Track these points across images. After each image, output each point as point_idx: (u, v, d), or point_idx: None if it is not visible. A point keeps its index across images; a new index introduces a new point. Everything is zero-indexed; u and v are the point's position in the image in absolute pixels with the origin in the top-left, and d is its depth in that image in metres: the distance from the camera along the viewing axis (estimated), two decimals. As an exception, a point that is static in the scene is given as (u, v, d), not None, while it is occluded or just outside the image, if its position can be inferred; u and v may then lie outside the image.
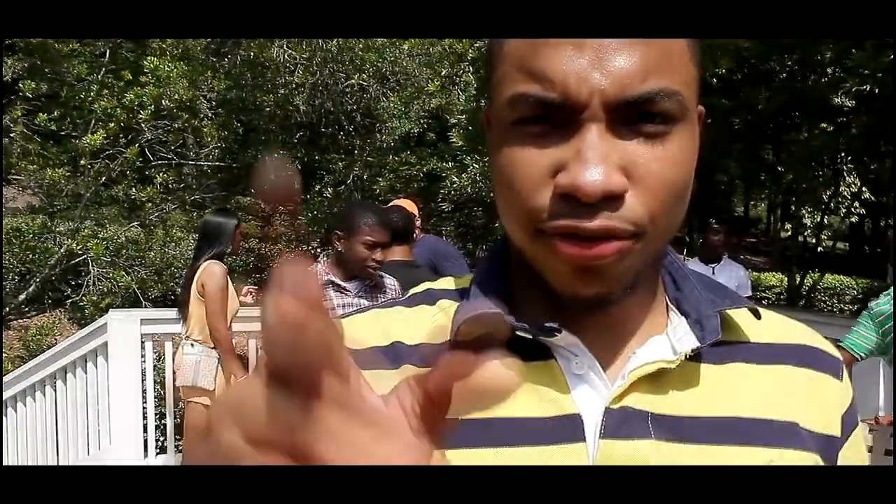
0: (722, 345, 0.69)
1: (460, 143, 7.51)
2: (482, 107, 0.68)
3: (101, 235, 10.18)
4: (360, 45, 8.15)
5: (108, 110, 9.69)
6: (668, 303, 0.72)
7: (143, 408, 5.38)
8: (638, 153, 0.59)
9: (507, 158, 0.62)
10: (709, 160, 10.93)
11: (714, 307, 0.69)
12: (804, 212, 14.91)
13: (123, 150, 9.85)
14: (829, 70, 8.90)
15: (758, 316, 0.73)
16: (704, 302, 0.70)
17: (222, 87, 10.18)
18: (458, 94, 8.07)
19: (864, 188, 14.48)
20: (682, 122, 0.61)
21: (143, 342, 5.33)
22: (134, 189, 10.45)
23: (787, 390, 0.70)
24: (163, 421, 5.73)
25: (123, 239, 10.44)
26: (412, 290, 0.76)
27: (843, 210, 16.56)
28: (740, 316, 0.73)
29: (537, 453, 0.62)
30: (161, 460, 5.45)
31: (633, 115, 0.59)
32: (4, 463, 5.62)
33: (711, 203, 13.38)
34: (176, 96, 9.56)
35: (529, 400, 0.64)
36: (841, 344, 3.64)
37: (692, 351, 0.66)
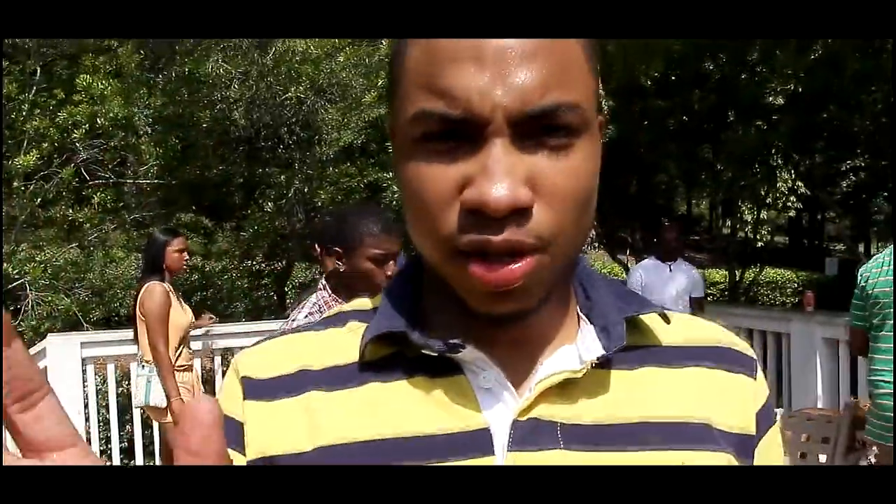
0: (632, 350, 0.70)
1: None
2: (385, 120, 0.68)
3: (38, 258, 9.93)
4: (297, 58, 8.12)
5: (41, 130, 9.47)
6: (579, 312, 0.73)
7: (88, 433, 5.27)
8: (543, 166, 0.60)
9: (414, 175, 0.62)
10: (649, 161, 11.12)
11: (621, 314, 0.70)
12: (744, 208, 15.22)
13: (58, 171, 9.64)
14: (757, 69, 9.13)
15: (667, 320, 0.74)
16: (612, 309, 0.70)
17: (158, 103, 10.03)
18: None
19: (798, 183, 14.83)
20: (584, 133, 0.62)
21: (84, 366, 5.22)
22: (71, 210, 10.23)
23: (699, 391, 0.71)
24: (108, 445, 5.62)
25: (62, 261, 10.20)
26: (325, 314, 0.77)
27: (780, 205, 16.95)
28: (651, 320, 0.74)
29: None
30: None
31: (537, 129, 0.59)
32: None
33: (654, 203, 13.58)
34: (111, 114, 9.38)
35: (437, 416, 0.65)
36: (853, 325, 3.61)
37: (598, 359, 0.66)
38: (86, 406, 5.23)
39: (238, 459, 0.67)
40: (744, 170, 11.36)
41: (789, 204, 17.24)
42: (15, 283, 9.61)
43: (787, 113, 9.74)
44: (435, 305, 0.70)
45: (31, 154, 9.27)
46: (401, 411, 0.66)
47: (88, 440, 5.23)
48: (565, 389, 0.66)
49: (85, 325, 9.63)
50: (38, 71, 10.39)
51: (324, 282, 2.91)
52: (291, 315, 2.99)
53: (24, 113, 9.82)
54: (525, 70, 0.58)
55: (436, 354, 0.66)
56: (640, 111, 10.37)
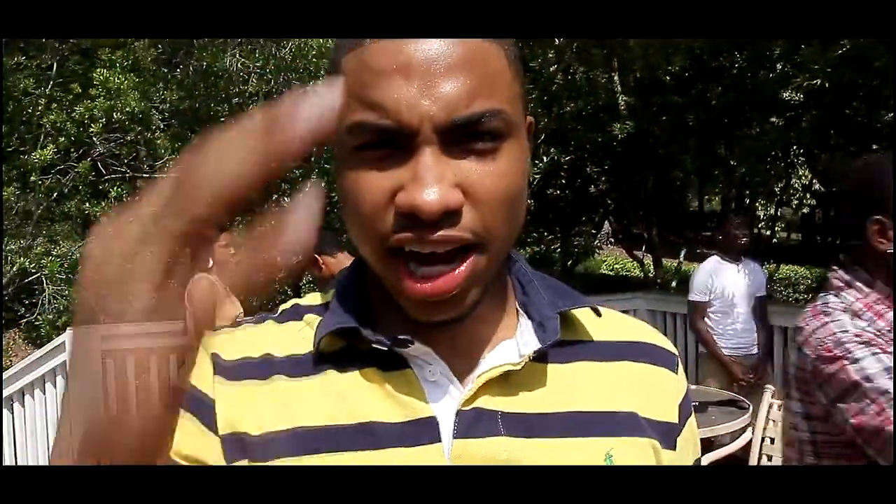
0: (566, 345, 0.76)
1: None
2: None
3: (54, 252, 9.97)
4: (314, 53, 8.11)
5: (58, 124, 9.50)
6: (518, 308, 0.78)
7: (106, 427, 5.28)
8: (471, 170, 0.64)
9: (351, 182, 0.66)
10: (664, 156, 11.07)
11: (554, 308, 0.75)
12: (758, 205, 15.14)
13: (75, 165, 9.67)
14: (778, 66, 9.06)
15: (598, 314, 0.79)
16: (547, 304, 0.76)
17: (175, 97, 10.05)
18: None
19: (814, 180, 14.73)
20: (509, 137, 0.66)
21: (104, 359, 5.22)
22: (87, 204, 10.26)
23: (627, 384, 0.77)
24: (126, 439, 5.64)
25: (78, 255, 10.24)
26: (282, 307, 0.81)
27: (795, 202, 16.85)
28: (583, 315, 0.79)
29: (396, 454, 0.68)
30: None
31: (464, 136, 0.64)
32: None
33: (668, 199, 13.53)
34: (127, 108, 9.40)
35: (388, 406, 0.70)
36: None
37: (535, 352, 0.72)
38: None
39: (208, 438, 0.70)
40: (759, 166, 11.29)
41: (804, 201, 17.16)
42: (32, 278, 9.65)
43: (808, 109, 9.67)
44: (381, 302, 0.74)
45: (48, 148, 9.30)
46: (357, 401, 0.70)
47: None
48: (506, 381, 0.71)
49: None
50: (55, 66, 10.43)
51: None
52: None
53: (40, 107, 9.86)
54: (450, 81, 0.62)
55: (385, 349, 0.70)
56: (659, 107, 10.32)
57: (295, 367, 0.73)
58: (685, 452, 0.79)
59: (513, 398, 0.72)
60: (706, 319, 4.94)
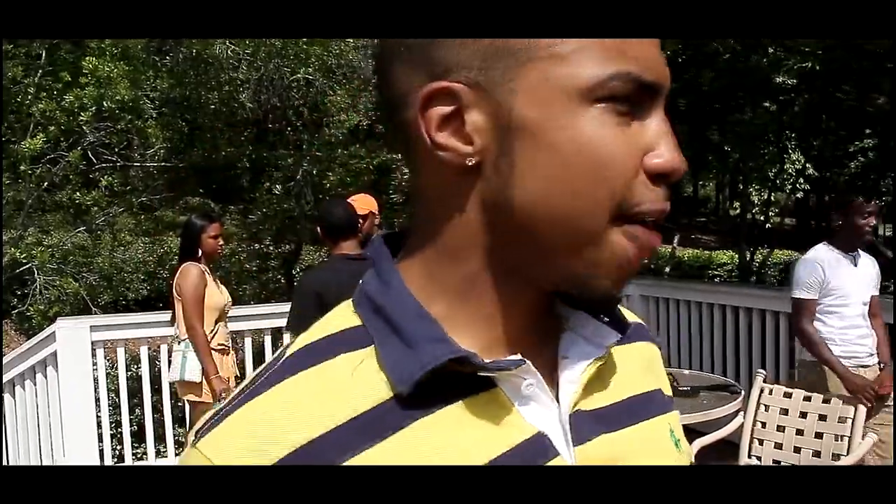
0: None
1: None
2: (469, 75, 0.58)
3: (45, 242, 9.94)
4: (304, 39, 8.06)
5: (48, 113, 9.44)
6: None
7: (98, 417, 5.27)
8: None
9: (599, 139, 0.57)
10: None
11: None
12: (751, 189, 15.17)
13: (65, 154, 9.61)
14: (770, 49, 9.05)
15: None
16: None
17: (165, 85, 9.99)
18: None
19: (807, 164, 14.76)
20: None
21: (94, 350, 5.21)
22: (78, 193, 10.22)
23: (640, 363, 0.76)
24: (119, 430, 5.62)
25: (69, 245, 10.21)
26: (288, 351, 0.63)
27: (789, 186, 16.88)
28: None
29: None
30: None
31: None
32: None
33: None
34: (118, 97, 9.34)
35: (494, 436, 0.61)
36: None
37: (616, 342, 0.68)
38: (96, 390, 5.21)
39: None
40: (752, 151, 11.30)
41: (798, 185, 17.18)
42: (23, 268, 9.61)
43: (800, 93, 9.66)
44: (451, 317, 0.63)
45: (38, 137, 9.25)
46: (459, 447, 0.59)
47: (98, 424, 5.22)
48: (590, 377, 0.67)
49: (94, 308, 9.64)
50: (43, 54, 10.36)
51: None
52: None
53: (29, 96, 9.80)
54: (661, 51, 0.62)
55: (491, 374, 0.61)
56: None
57: (367, 432, 0.57)
58: None
59: (593, 392, 0.67)
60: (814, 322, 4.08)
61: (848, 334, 3.99)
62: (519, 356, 0.61)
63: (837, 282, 4.00)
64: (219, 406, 0.61)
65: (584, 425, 0.64)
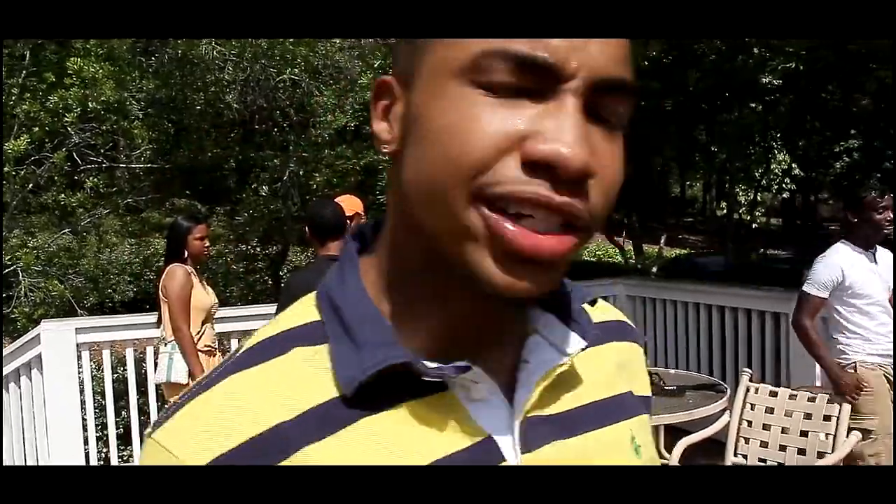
0: None
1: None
2: (398, 68, 0.60)
3: (30, 244, 9.88)
4: (290, 40, 8.04)
5: (32, 114, 9.38)
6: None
7: (83, 419, 5.23)
8: (600, 144, 0.56)
9: (459, 116, 0.54)
10: (644, 142, 11.09)
11: (578, 301, 0.69)
12: (738, 190, 15.24)
13: (50, 155, 9.56)
14: (755, 50, 9.09)
15: (594, 304, 0.74)
16: (569, 296, 0.69)
17: (151, 86, 9.95)
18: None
19: (793, 164, 14.85)
20: (625, 124, 0.59)
21: (79, 352, 5.18)
22: (64, 195, 10.16)
23: (618, 365, 0.74)
24: (104, 432, 5.59)
25: (55, 247, 10.15)
26: (246, 346, 0.63)
27: (775, 186, 16.98)
28: (586, 301, 0.73)
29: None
30: (104, 472, 5.31)
31: (602, 104, 0.55)
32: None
33: (648, 184, 13.56)
34: (103, 97, 9.30)
35: (440, 439, 0.60)
36: None
37: (581, 350, 0.66)
38: (81, 392, 5.18)
39: None
40: (738, 151, 11.35)
41: (784, 185, 17.28)
42: (8, 270, 9.55)
43: (786, 93, 9.71)
44: (398, 315, 0.62)
45: (22, 139, 9.19)
46: (405, 447, 0.59)
47: (84, 427, 5.18)
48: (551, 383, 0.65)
49: (79, 310, 9.59)
50: (27, 55, 10.29)
51: None
52: None
53: (13, 97, 9.73)
54: (611, 43, 0.55)
55: (437, 378, 0.59)
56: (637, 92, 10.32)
57: (319, 425, 0.58)
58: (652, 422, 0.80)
59: (552, 398, 0.65)
60: (832, 320, 3.97)
61: (880, 331, 3.88)
62: (465, 362, 0.59)
63: (860, 282, 3.86)
64: (176, 398, 0.62)
65: (537, 431, 0.63)
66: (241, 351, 0.63)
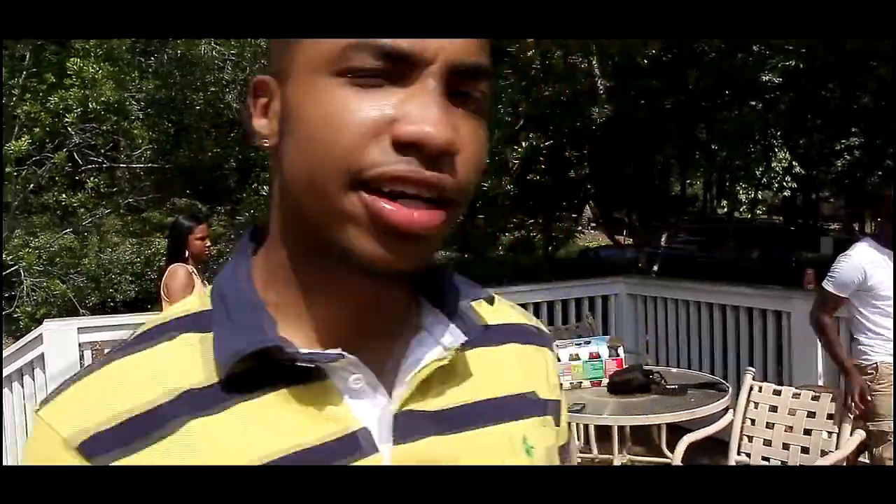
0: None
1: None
2: (273, 68, 0.64)
3: (32, 244, 9.89)
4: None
5: (33, 115, 9.39)
6: (420, 298, 0.72)
7: (85, 419, 5.24)
8: (463, 124, 0.60)
9: (330, 108, 0.58)
10: (644, 140, 11.09)
11: (466, 298, 0.71)
12: (738, 188, 15.24)
13: (51, 156, 9.56)
14: (755, 48, 9.09)
15: (491, 301, 0.76)
16: (458, 294, 0.71)
17: (150, 86, 9.95)
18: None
19: (794, 163, 14.85)
20: (484, 111, 0.63)
21: (81, 351, 5.18)
22: (65, 195, 10.17)
23: (520, 365, 0.76)
24: (106, 431, 5.60)
25: (56, 247, 10.15)
26: (137, 332, 0.66)
27: (776, 185, 16.97)
28: (478, 304, 0.74)
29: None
30: (106, 472, 5.31)
31: (462, 87, 0.60)
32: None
33: (649, 183, 13.56)
34: (103, 98, 9.30)
35: (317, 425, 0.62)
36: None
37: (462, 345, 0.68)
38: (84, 392, 5.20)
39: None
40: (739, 149, 11.34)
41: (784, 183, 17.27)
42: (10, 270, 9.56)
43: (786, 91, 9.70)
44: (282, 309, 0.65)
45: (23, 139, 9.19)
46: (274, 431, 0.61)
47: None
48: (430, 377, 0.67)
49: (81, 310, 9.59)
50: (28, 55, 10.30)
51: None
52: None
53: (14, 98, 9.74)
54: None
55: (309, 365, 0.62)
56: (637, 91, 10.33)
57: (202, 403, 0.61)
58: (565, 425, 0.82)
59: (432, 393, 0.67)
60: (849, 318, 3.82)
61: None
62: (338, 351, 0.62)
63: (883, 283, 3.71)
64: (65, 378, 0.65)
65: (414, 425, 0.65)
66: (131, 336, 0.66)
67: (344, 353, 0.62)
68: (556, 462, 0.77)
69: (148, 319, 0.68)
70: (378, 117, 0.57)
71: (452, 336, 0.68)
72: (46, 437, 0.61)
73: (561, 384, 0.83)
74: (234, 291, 0.66)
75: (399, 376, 0.66)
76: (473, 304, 0.72)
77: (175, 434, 0.60)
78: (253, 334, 0.62)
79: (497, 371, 0.73)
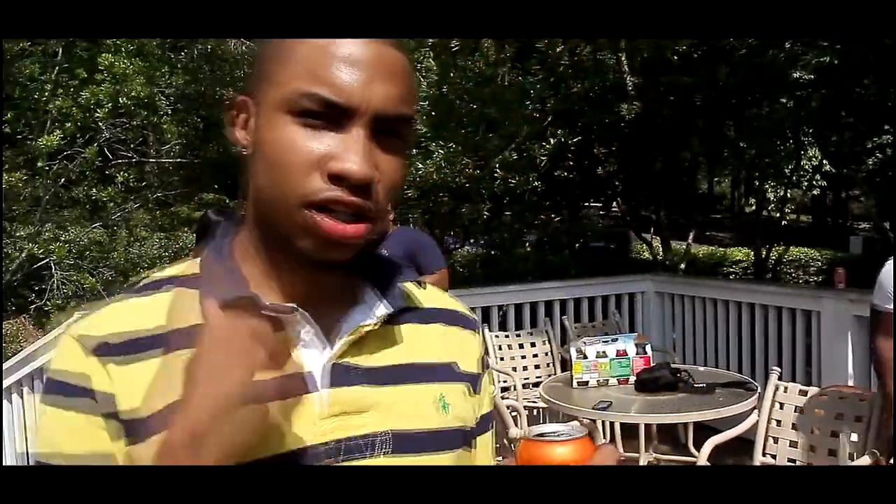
0: (401, 310, 0.92)
1: (424, 129, 7.48)
2: (250, 92, 0.85)
3: (62, 238, 10.00)
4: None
5: (64, 110, 9.50)
6: (363, 279, 0.93)
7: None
8: (382, 158, 0.80)
9: (284, 141, 0.78)
10: (672, 137, 11.00)
11: (397, 280, 0.92)
12: (767, 186, 15.07)
13: (82, 150, 9.67)
14: (787, 44, 8.97)
15: (422, 286, 1.00)
16: (391, 277, 0.93)
17: (180, 82, 10.03)
18: (420, 79, 8.00)
19: (824, 161, 14.65)
20: (409, 140, 0.86)
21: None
22: (95, 189, 10.28)
23: (444, 342, 0.96)
24: (134, 423, 5.65)
25: (86, 241, 10.27)
26: (141, 283, 0.89)
27: (805, 183, 16.76)
28: (413, 287, 0.98)
29: (281, 406, 0.77)
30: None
31: (384, 129, 0.80)
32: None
33: (676, 180, 13.45)
34: (133, 93, 9.39)
35: (268, 363, 0.76)
36: None
37: (385, 316, 0.88)
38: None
39: (105, 426, 0.78)
40: (768, 147, 11.21)
41: (814, 182, 17.06)
42: (40, 263, 9.68)
43: (818, 88, 9.57)
44: (259, 273, 0.87)
45: (55, 134, 9.31)
46: None
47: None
48: (361, 339, 0.87)
49: (110, 303, 9.69)
50: (60, 51, 10.41)
51: None
52: None
53: (46, 93, 9.86)
54: (391, 83, 0.80)
55: (272, 314, 0.80)
56: (666, 87, 10.25)
57: (181, 340, 0.79)
58: (485, 394, 1.01)
59: (367, 353, 0.87)
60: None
61: None
62: (292, 305, 0.82)
63: None
64: (90, 306, 0.86)
65: (346, 375, 0.84)
66: (139, 283, 0.88)
67: (297, 308, 0.82)
68: (470, 423, 0.94)
69: (149, 273, 0.89)
70: (318, 155, 0.78)
71: (382, 308, 0.90)
72: (65, 342, 0.82)
73: (487, 363, 1.03)
74: (217, 262, 0.87)
75: (339, 336, 0.86)
76: (410, 286, 0.97)
77: (154, 360, 0.80)
78: (229, 292, 0.80)
79: (423, 343, 0.93)
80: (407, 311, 0.93)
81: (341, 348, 0.85)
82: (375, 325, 0.87)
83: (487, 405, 1.02)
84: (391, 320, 0.90)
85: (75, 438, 0.78)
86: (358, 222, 0.79)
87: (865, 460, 3.40)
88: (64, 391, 0.79)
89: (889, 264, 3.26)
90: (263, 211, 0.83)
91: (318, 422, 0.81)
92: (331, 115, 0.78)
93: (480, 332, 1.04)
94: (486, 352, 1.07)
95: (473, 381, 0.98)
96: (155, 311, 0.83)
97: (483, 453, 0.98)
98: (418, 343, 0.93)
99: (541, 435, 0.88)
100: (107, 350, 0.79)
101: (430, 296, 1.00)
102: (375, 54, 0.79)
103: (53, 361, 0.81)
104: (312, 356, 0.84)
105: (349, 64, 0.78)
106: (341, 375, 0.84)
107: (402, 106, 0.81)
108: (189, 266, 0.89)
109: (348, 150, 0.77)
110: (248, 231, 0.88)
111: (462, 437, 0.92)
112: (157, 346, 0.80)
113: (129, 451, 0.77)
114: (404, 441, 0.85)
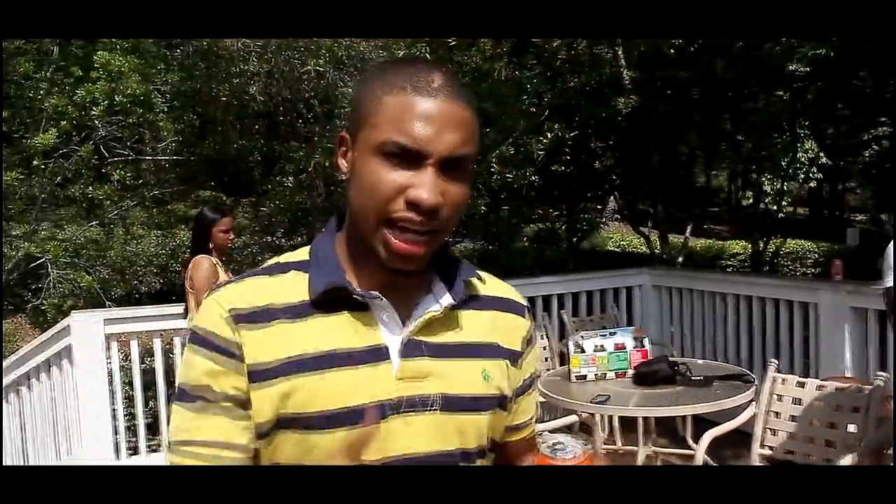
0: (465, 300, 1.16)
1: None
2: (350, 130, 1.13)
3: (59, 237, 9.99)
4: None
5: (60, 108, 9.47)
6: (436, 275, 1.18)
7: (113, 409, 5.29)
8: (448, 188, 1.05)
9: (374, 172, 1.04)
10: (669, 131, 11.00)
11: (461, 277, 1.16)
12: (764, 179, 15.08)
13: (77, 149, 9.65)
14: (782, 38, 8.96)
15: (483, 281, 1.22)
16: (457, 274, 1.17)
17: (176, 79, 9.99)
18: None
19: (820, 153, 14.68)
20: (469, 171, 1.09)
21: (108, 343, 5.23)
22: (91, 188, 10.26)
23: (493, 325, 1.20)
24: (133, 422, 5.65)
25: (82, 239, 10.25)
26: (267, 263, 1.16)
27: (802, 176, 16.79)
28: (476, 280, 1.20)
29: (364, 370, 1.06)
30: (133, 462, 5.37)
31: (450, 165, 1.04)
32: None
33: (673, 174, 13.45)
34: (129, 91, 9.36)
35: (359, 338, 1.08)
36: None
37: (451, 305, 1.14)
38: (110, 383, 5.24)
39: (241, 373, 1.05)
40: (765, 140, 11.21)
41: (811, 174, 17.07)
42: (37, 262, 9.66)
43: (814, 80, 9.56)
44: (350, 267, 1.13)
45: (50, 132, 9.29)
46: (334, 335, 1.07)
47: (114, 416, 5.24)
48: (430, 323, 1.12)
49: (107, 302, 9.68)
50: (55, 49, 10.39)
51: None
52: None
53: (41, 91, 9.83)
54: (456, 132, 1.04)
55: (361, 299, 1.08)
56: (663, 81, 10.24)
57: (292, 313, 1.08)
58: (527, 368, 1.26)
59: (432, 334, 1.12)
60: None
61: None
62: (377, 293, 1.08)
63: None
64: (228, 279, 1.19)
65: (415, 349, 1.10)
66: (264, 265, 1.15)
67: (381, 295, 1.08)
68: (507, 391, 1.17)
69: (280, 257, 1.17)
70: (398, 185, 1.03)
71: (448, 298, 1.14)
72: (212, 306, 1.09)
73: (532, 342, 1.27)
74: (322, 252, 1.14)
75: (411, 319, 1.11)
76: (472, 279, 1.19)
77: (273, 326, 1.07)
78: (331, 277, 1.09)
79: (476, 327, 1.17)
80: (469, 300, 1.17)
81: (413, 329, 1.10)
82: (441, 312, 1.12)
83: (529, 372, 1.26)
84: (454, 308, 1.15)
85: (212, 378, 1.05)
86: (422, 240, 1.04)
87: (867, 453, 3.41)
88: (206, 344, 1.06)
89: (889, 247, 3.24)
90: (355, 221, 1.08)
91: (391, 382, 1.06)
92: (409, 157, 1.02)
93: (529, 316, 1.27)
94: (532, 331, 1.29)
95: (515, 358, 1.21)
96: (275, 289, 1.10)
97: (527, 404, 1.27)
98: (472, 327, 1.17)
99: (552, 449, 1.17)
100: (239, 316, 1.06)
101: (489, 287, 1.23)
102: (445, 110, 1.04)
103: (200, 320, 1.08)
104: (391, 333, 1.10)
105: (424, 118, 1.03)
106: (411, 350, 1.09)
107: (463, 148, 1.05)
108: (302, 253, 1.16)
109: (423, 184, 1.02)
110: (346, 232, 1.13)
111: (498, 402, 1.15)
112: (275, 318, 1.07)
113: (250, 389, 1.04)
114: (451, 402, 1.10)
